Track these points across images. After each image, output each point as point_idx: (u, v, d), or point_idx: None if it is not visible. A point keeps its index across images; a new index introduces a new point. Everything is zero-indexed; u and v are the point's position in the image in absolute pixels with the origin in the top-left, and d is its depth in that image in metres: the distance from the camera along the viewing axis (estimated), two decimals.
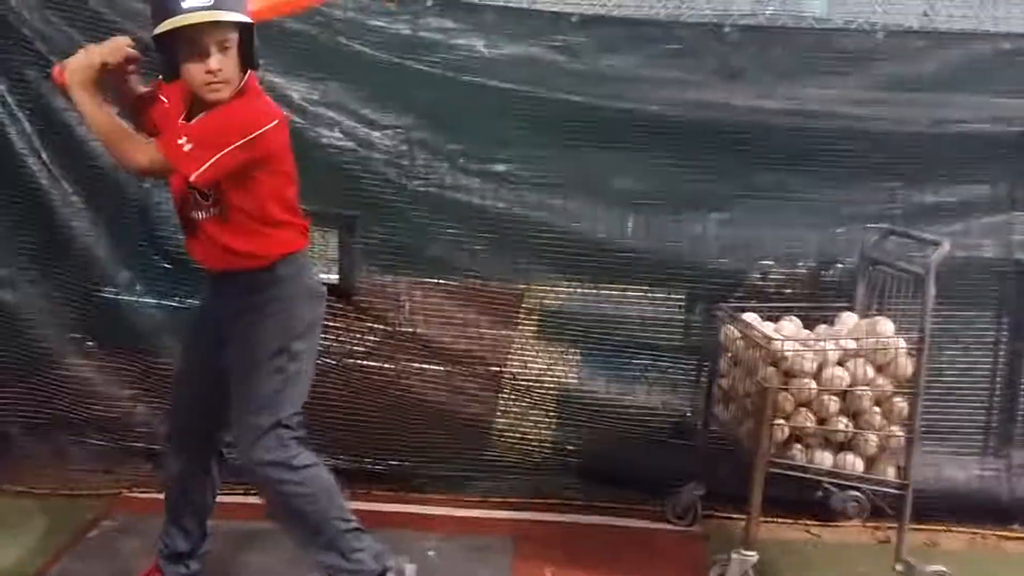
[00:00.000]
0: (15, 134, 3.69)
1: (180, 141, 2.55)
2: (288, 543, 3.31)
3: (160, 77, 2.74)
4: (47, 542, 3.38)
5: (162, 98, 2.77)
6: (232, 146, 2.55)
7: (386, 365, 3.83)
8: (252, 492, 3.67)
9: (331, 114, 3.66)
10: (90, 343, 3.86)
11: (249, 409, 2.76)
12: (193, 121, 2.63)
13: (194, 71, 2.54)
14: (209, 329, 2.88)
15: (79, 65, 2.58)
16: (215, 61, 2.53)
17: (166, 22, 2.48)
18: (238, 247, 2.71)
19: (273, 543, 3.35)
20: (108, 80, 2.65)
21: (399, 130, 3.70)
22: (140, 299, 3.83)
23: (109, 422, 3.88)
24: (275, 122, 2.64)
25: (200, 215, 2.72)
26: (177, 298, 3.83)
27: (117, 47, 2.64)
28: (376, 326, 3.79)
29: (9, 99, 3.68)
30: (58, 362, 3.83)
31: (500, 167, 3.73)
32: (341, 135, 3.65)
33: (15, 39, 3.65)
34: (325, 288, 2.96)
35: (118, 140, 2.61)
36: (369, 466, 3.85)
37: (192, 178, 2.55)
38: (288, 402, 2.77)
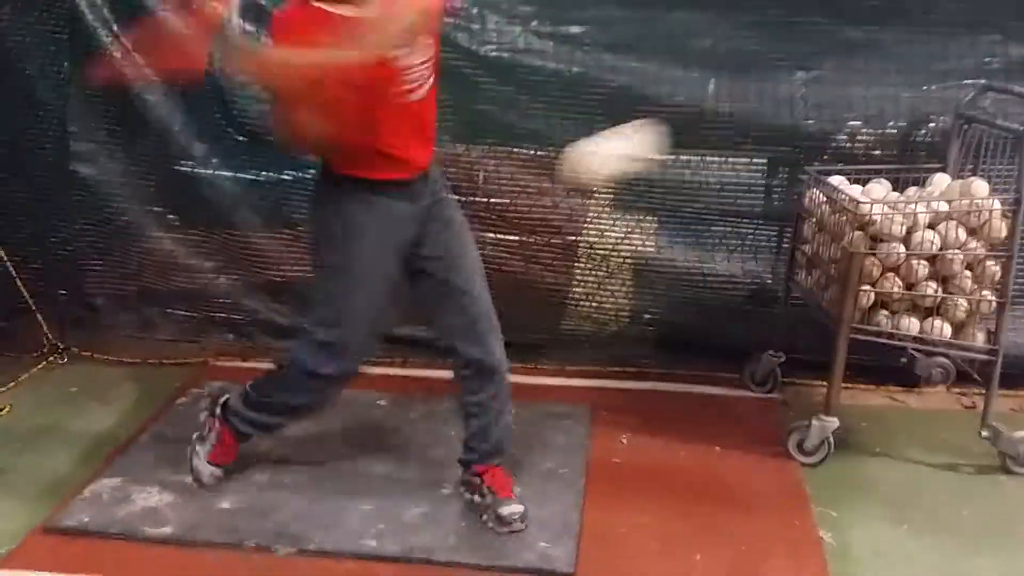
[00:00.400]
0: (86, 6, 3.67)
1: None
2: (368, 409, 3.42)
3: None
4: (139, 409, 3.50)
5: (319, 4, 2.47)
6: None
7: None
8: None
9: None
10: (171, 216, 3.91)
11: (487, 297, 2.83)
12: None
13: None
14: (400, 247, 2.71)
15: (225, 52, 2.43)
16: None
17: None
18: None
19: (354, 410, 3.43)
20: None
21: None
22: (216, 172, 3.84)
23: (192, 293, 3.98)
24: None
25: (419, 92, 2.54)
26: (253, 172, 3.84)
27: None
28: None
29: None
30: (140, 235, 3.91)
31: (575, 29, 3.59)
32: None
33: None
34: None
35: (328, 62, 2.32)
36: None
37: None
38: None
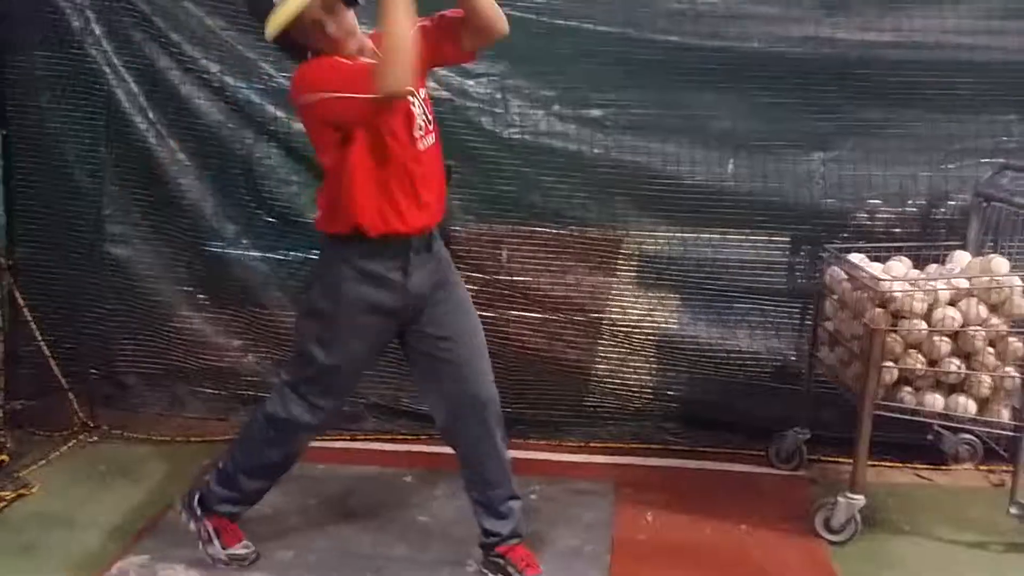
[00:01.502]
0: (123, 94, 3.80)
1: None
2: (396, 487, 3.43)
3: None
4: (166, 486, 3.52)
5: None
6: None
7: (485, 313, 3.83)
8: (358, 438, 3.80)
9: None
10: (201, 296, 3.99)
11: (485, 356, 2.86)
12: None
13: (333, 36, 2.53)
14: (398, 313, 2.77)
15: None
16: (334, 26, 2.52)
17: (270, 26, 2.50)
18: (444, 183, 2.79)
19: (380, 486, 3.45)
20: None
21: (493, 78, 3.69)
22: (246, 253, 3.93)
23: (221, 371, 4.03)
24: None
25: (427, 140, 2.68)
26: (281, 251, 3.92)
27: None
28: (474, 275, 3.81)
29: (116, 60, 3.79)
30: (171, 314, 3.98)
31: (596, 112, 3.68)
32: (435, 84, 3.65)
33: (120, 1, 3.74)
34: None
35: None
36: None
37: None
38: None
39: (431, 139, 2.70)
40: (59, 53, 3.78)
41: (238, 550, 3.00)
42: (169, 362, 4.05)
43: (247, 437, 2.99)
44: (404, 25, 2.39)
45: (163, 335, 4.01)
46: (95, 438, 3.91)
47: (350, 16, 2.55)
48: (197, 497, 3.01)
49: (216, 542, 2.98)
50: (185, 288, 3.98)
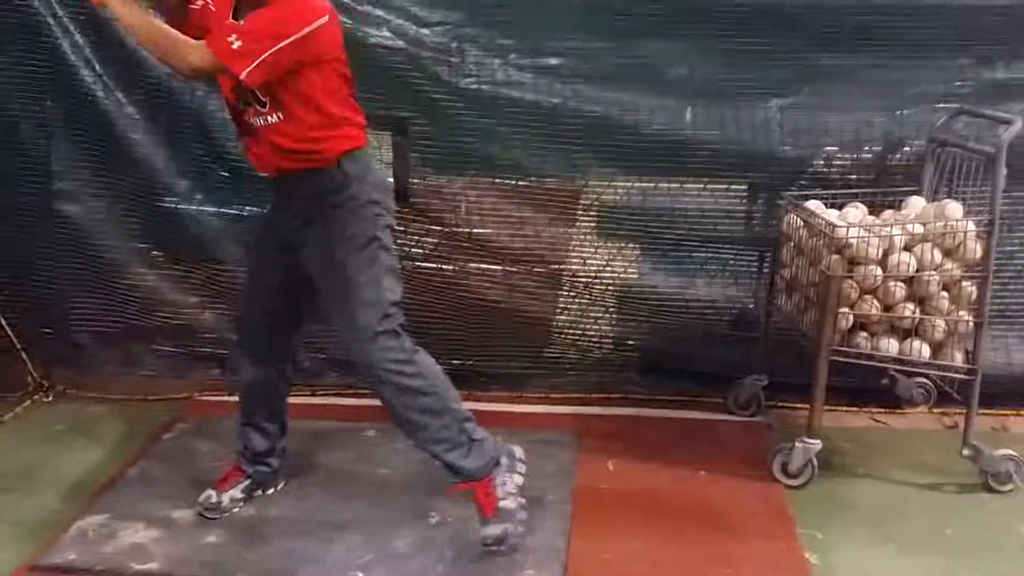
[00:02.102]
0: (68, 47, 3.69)
1: (229, 39, 2.51)
2: (356, 442, 3.43)
3: None
4: (124, 445, 3.50)
5: (208, 1, 2.73)
6: (283, 43, 2.51)
7: (444, 266, 3.84)
8: (318, 393, 3.78)
9: (379, 13, 3.59)
10: (155, 252, 3.93)
11: (353, 309, 2.71)
12: (242, 20, 2.60)
13: None
14: (277, 240, 2.86)
15: None
16: None
17: None
18: (301, 148, 2.68)
19: (342, 442, 3.45)
20: None
21: (448, 27, 3.62)
22: (200, 208, 3.86)
23: (177, 329, 3.98)
24: (325, 18, 2.59)
25: (259, 121, 2.69)
26: (237, 206, 3.86)
27: None
28: (433, 227, 3.79)
29: (60, 11, 3.67)
30: (125, 272, 3.91)
31: (552, 61, 3.64)
32: (390, 34, 3.58)
33: None
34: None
35: (166, 44, 2.57)
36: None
37: (242, 76, 2.51)
38: (390, 292, 2.74)
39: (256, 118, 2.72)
40: (1, 5, 3.66)
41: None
42: (124, 320, 3.98)
43: (416, 408, 2.78)
44: (143, 27, 2.57)
45: (117, 293, 3.94)
46: (50, 398, 3.87)
47: None
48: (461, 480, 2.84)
49: (508, 484, 2.84)
50: (139, 245, 3.91)
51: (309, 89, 2.64)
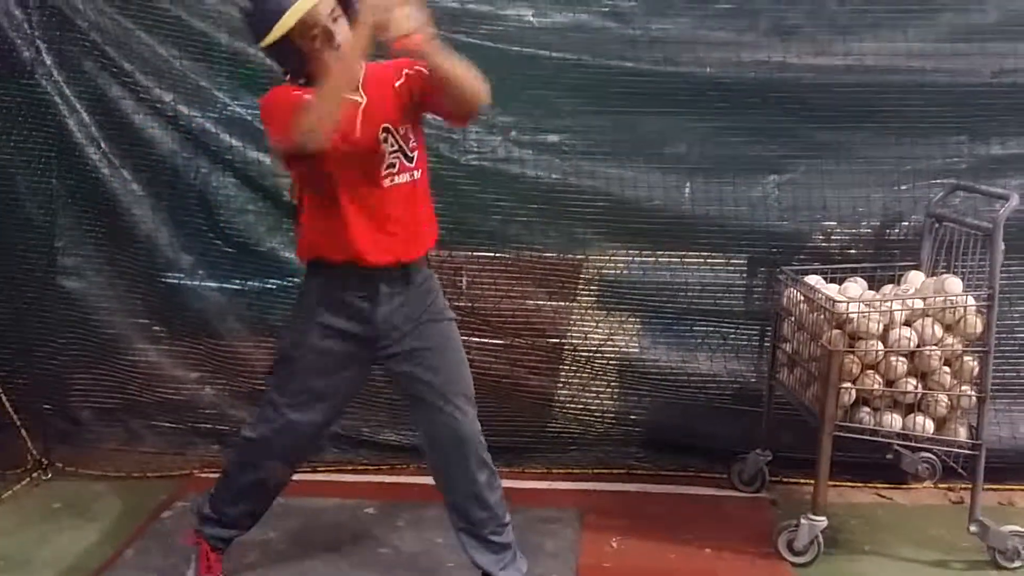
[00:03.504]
0: (74, 125, 3.76)
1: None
2: (356, 519, 3.39)
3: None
4: (123, 524, 3.46)
5: None
6: None
7: None
8: (319, 470, 3.75)
9: None
10: (157, 328, 3.93)
11: (470, 391, 2.85)
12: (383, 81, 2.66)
13: (330, 57, 2.52)
14: (357, 349, 2.78)
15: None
16: (340, 36, 2.51)
17: (289, 15, 2.45)
18: (430, 215, 2.79)
19: (341, 519, 3.42)
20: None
21: None
22: (203, 283, 3.88)
23: (177, 405, 3.97)
24: None
25: (403, 178, 2.67)
26: (239, 281, 3.88)
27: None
28: None
29: (67, 90, 3.74)
30: (126, 347, 3.92)
31: (553, 138, 3.69)
32: None
33: (71, 30, 3.70)
34: None
35: (472, 76, 2.54)
36: None
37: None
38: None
39: (405, 176, 2.67)
40: (9, 84, 3.73)
41: None
42: (125, 396, 3.98)
43: (226, 464, 2.98)
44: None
45: (118, 369, 3.94)
46: (49, 475, 3.83)
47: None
48: (202, 509, 2.98)
49: (193, 566, 2.95)
50: (140, 320, 3.92)
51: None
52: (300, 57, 2.55)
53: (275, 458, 2.91)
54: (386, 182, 2.64)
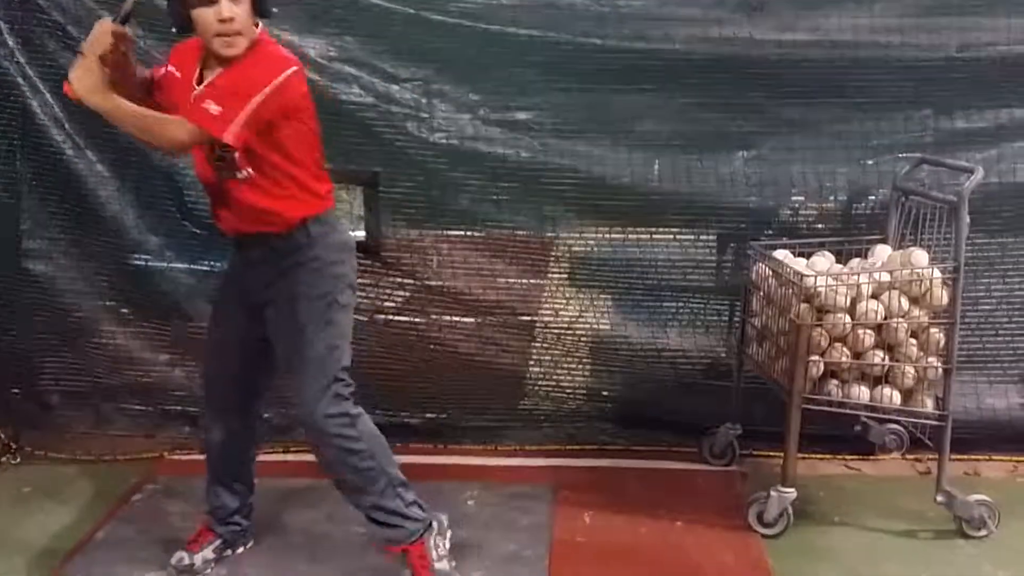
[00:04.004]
0: (38, 106, 3.70)
1: (205, 106, 2.50)
2: (328, 499, 3.39)
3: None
4: (93, 507, 3.44)
5: (172, 70, 2.72)
6: (258, 97, 2.51)
7: (417, 319, 3.84)
8: (291, 450, 3.74)
9: (349, 70, 3.62)
10: (125, 310, 3.90)
11: (306, 369, 2.72)
12: (207, 83, 2.61)
13: (206, 19, 2.50)
14: (240, 300, 2.85)
15: (80, 73, 2.48)
16: (226, 9, 2.48)
17: None
18: (273, 208, 2.68)
19: (314, 499, 3.41)
20: (112, 71, 2.53)
21: (418, 83, 3.66)
22: (171, 265, 3.85)
23: (147, 387, 3.95)
24: (294, 68, 2.60)
25: (231, 178, 2.67)
26: (207, 263, 3.85)
27: (102, 33, 2.51)
28: (405, 281, 3.80)
29: (30, 71, 3.68)
30: (95, 330, 3.89)
31: (522, 115, 3.68)
32: (360, 91, 3.62)
33: (33, 10, 3.64)
34: (355, 241, 2.97)
35: (150, 127, 2.54)
36: (405, 419, 3.88)
37: (227, 139, 2.50)
38: (343, 355, 2.76)
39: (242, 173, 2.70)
40: None
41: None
42: (94, 379, 3.95)
43: (348, 467, 2.80)
44: (123, 116, 2.53)
45: (87, 352, 3.91)
46: (18, 460, 3.80)
47: None
48: (390, 536, 2.87)
49: (440, 547, 2.89)
50: (108, 303, 3.89)
51: (285, 144, 2.64)
52: (183, 13, 2.56)
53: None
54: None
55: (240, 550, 3.09)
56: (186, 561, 2.97)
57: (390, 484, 2.81)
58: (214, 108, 2.50)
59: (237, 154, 2.61)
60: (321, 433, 2.74)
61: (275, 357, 2.85)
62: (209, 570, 2.99)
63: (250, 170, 2.65)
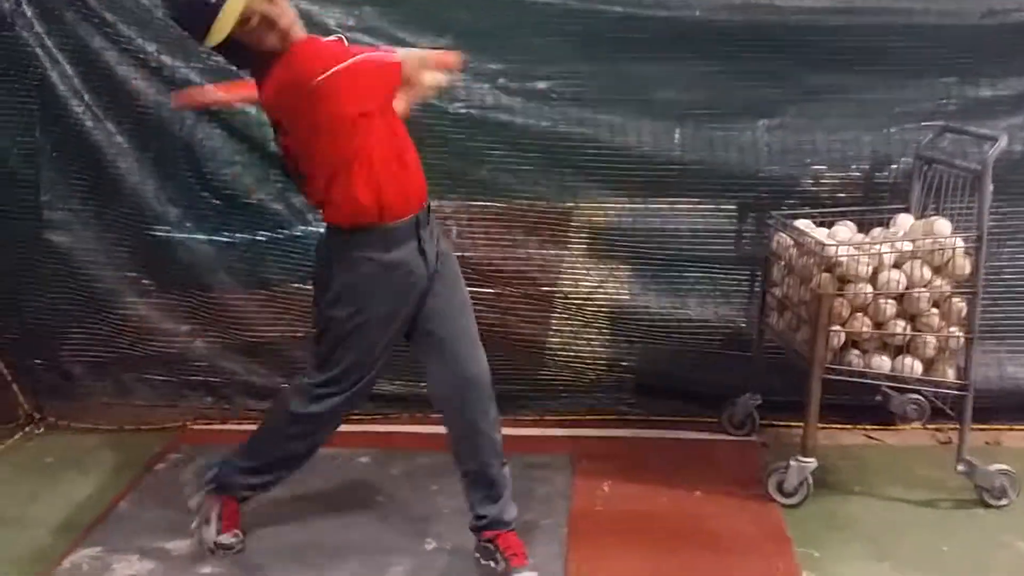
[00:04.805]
0: (57, 77, 3.71)
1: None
2: (348, 468, 3.41)
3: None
4: (117, 477, 3.48)
5: None
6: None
7: None
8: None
9: (368, 39, 3.60)
10: (146, 281, 3.92)
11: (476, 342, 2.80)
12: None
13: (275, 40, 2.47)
14: (421, 285, 2.73)
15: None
16: (282, 17, 2.45)
17: (223, 18, 2.37)
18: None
19: (336, 468, 3.44)
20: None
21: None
22: (191, 236, 3.86)
23: (169, 358, 3.97)
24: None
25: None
26: (227, 233, 3.86)
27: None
28: None
29: (48, 42, 3.68)
30: (116, 301, 3.91)
31: (541, 84, 3.66)
32: None
33: None
34: None
35: None
36: (424, 390, 3.87)
37: None
38: None
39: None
40: None
41: (227, 539, 2.95)
42: (115, 349, 3.97)
43: (271, 429, 2.91)
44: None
45: (108, 322, 3.94)
46: (41, 430, 3.84)
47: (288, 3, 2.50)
48: (214, 474, 2.93)
49: (213, 526, 2.93)
50: (129, 274, 3.90)
51: None
52: (246, 51, 2.49)
53: (335, 424, 2.96)
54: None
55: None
56: (235, 543, 2.98)
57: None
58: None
59: None
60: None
61: None
62: (241, 545, 3.00)
63: None
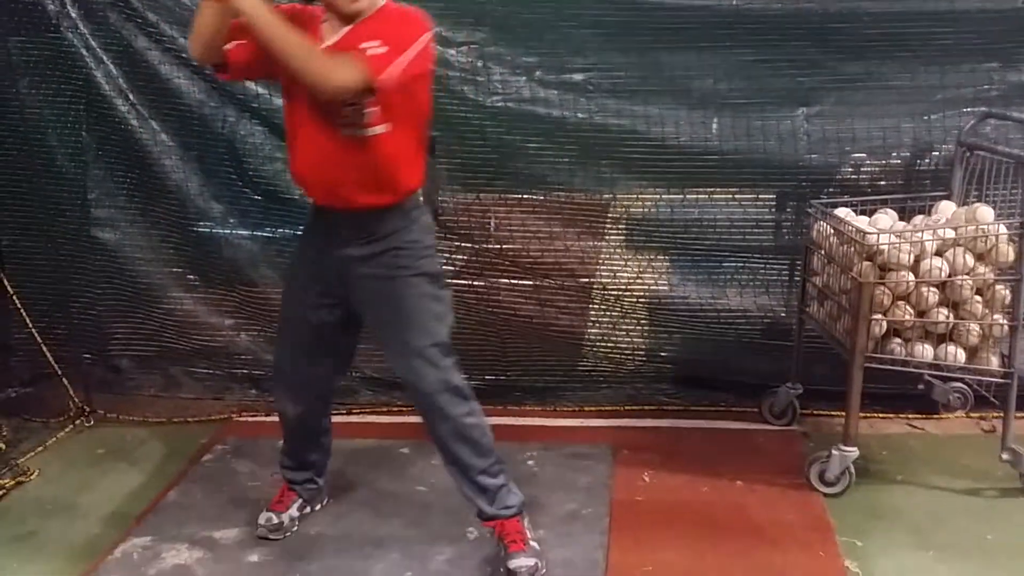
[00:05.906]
0: (101, 77, 3.78)
1: (365, 45, 2.40)
2: (390, 459, 3.45)
3: None
4: (165, 468, 3.54)
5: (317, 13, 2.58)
6: (411, 50, 2.45)
7: (475, 282, 3.87)
8: (354, 412, 3.82)
9: None
10: (191, 277, 3.99)
11: (420, 342, 2.71)
12: (337, 39, 2.52)
13: None
14: (325, 274, 2.77)
15: None
16: None
17: None
18: (398, 169, 2.59)
19: (378, 459, 3.48)
20: None
21: (473, 46, 3.66)
22: (234, 232, 3.92)
23: (214, 351, 4.05)
24: (432, 31, 2.54)
25: (353, 134, 2.53)
26: (269, 229, 3.92)
27: None
28: (463, 244, 3.82)
29: (93, 42, 3.75)
30: (162, 296, 3.98)
31: (578, 76, 3.66)
32: None
33: None
34: None
35: (310, 56, 2.38)
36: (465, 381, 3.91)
37: (384, 82, 2.40)
38: (447, 326, 2.77)
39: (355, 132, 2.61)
40: (36, 38, 3.74)
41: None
42: (162, 344, 4.06)
43: (463, 435, 2.79)
44: (284, 34, 2.38)
45: (155, 317, 4.02)
46: (91, 422, 3.91)
47: None
48: (497, 507, 2.83)
49: (529, 540, 2.83)
50: (175, 269, 3.98)
51: (410, 109, 2.57)
52: None
53: None
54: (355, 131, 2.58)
55: (318, 507, 3.16)
56: (275, 520, 3.03)
57: (498, 460, 2.83)
58: (379, 49, 2.40)
59: (372, 109, 2.51)
60: (434, 405, 2.77)
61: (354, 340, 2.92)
62: (295, 528, 3.06)
63: (387, 125, 2.54)
